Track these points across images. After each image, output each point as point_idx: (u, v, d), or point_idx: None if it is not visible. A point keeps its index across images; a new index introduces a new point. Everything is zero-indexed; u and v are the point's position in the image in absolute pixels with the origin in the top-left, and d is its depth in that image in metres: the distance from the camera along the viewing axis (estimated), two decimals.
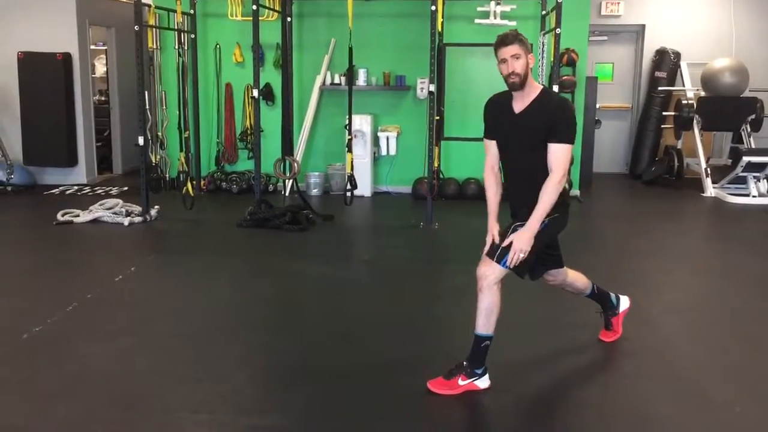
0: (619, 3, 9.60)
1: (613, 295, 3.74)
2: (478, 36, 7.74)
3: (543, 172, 3.12)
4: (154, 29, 7.83)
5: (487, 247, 3.20)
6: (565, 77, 7.80)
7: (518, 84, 3.07)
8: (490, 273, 3.09)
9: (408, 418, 2.99)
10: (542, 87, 3.18)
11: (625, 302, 3.76)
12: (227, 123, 8.40)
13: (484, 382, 3.16)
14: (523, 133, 3.12)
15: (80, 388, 3.19)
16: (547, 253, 3.33)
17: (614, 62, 10.05)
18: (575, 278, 3.57)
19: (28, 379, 3.28)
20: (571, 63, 7.91)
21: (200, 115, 8.14)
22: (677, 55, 9.46)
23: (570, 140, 3.08)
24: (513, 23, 7.61)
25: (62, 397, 3.11)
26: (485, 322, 3.10)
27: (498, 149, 3.27)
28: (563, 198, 3.20)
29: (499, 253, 3.11)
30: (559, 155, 3.05)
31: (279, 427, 2.90)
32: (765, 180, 8.07)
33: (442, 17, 6.85)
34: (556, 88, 6.48)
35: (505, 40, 3.09)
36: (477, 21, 7.74)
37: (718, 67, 8.72)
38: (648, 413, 3.01)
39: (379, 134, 8.07)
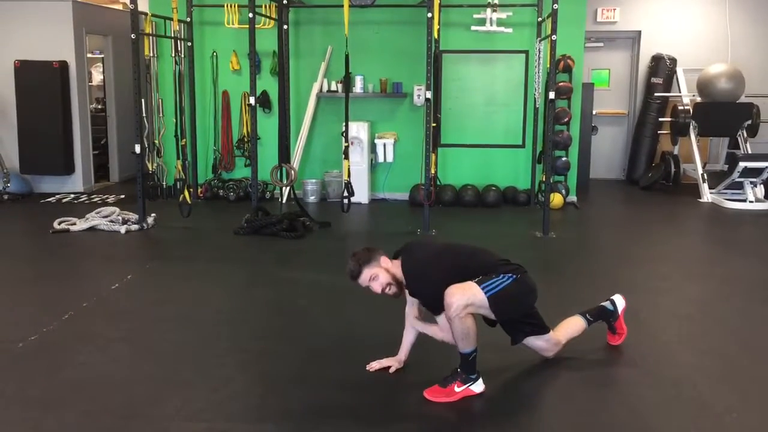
0: (614, 9, 9.63)
1: (607, 304, 3.71)
2: (474, 43, 7.76)
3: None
4: (150, 37, 7.84)
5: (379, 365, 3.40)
6: (562, 83, 7.82)
7: (398, 292, 3.24)
8: (460, 302, 3.03)
9: (407, 425, 2.98)
10: (399, 263, 3.24)
11: (620, 301, 3.73)
12: (224, 130, 8.40)
13: (479, 386, 3.17)
14: None
15: (76, 397, 3.18)
16: (524, 321, 3.38)
17: (610, 68, 10.07)
18: (567, 331, 3.57)
19: (23, 389, 3.27)
20: (567, 69, 7.94)
21: (197, 122, 8.13)
22: (673, 61, 9.49)
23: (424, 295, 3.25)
24: (509, 30, 7.64)
25: (58, 406, 3.09)
26: (465, 344, 3.10)
27: None
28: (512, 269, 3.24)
29: (481, 279, 3.14)
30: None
31: None
32: (761, 185, 8.09)
33: (439, 24, 6.88)
34: (552, 95, 6.50)
35: (350, 278, 3.22)
36: (474, 28, 7.76)
37: (714, 73, 8.75)
38: (646, 420, 3.00)
39: (376, 141, 8.08)
